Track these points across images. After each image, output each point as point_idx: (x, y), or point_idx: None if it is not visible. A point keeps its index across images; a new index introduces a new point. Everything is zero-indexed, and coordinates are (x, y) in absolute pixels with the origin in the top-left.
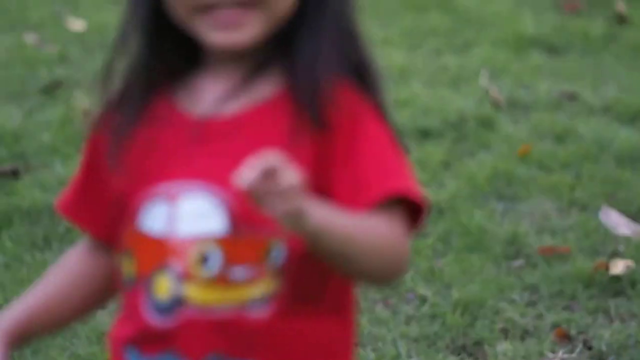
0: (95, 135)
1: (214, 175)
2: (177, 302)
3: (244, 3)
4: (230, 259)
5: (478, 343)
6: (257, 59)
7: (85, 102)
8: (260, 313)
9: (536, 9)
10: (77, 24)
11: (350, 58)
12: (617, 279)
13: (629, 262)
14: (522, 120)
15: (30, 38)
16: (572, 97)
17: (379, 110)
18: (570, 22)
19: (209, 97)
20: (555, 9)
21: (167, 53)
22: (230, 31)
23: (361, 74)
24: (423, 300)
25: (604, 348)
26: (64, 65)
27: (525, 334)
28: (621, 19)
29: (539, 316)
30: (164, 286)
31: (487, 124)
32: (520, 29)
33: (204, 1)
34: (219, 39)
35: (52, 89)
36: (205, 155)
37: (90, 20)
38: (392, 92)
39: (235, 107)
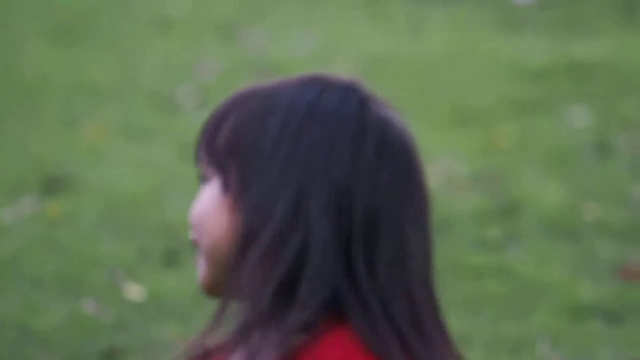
0: None
1: None
2: None
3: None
4: None
5: None
6: None
7: None
8: None
9: (593, 275)
10: (135, 291)
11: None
12: None
13: None
14: None
15: (87, 305)
16: None
17: None
18: (629, 289)
19: None
20: (613, 276)
21: None
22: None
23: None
24: None
25: None
26: (121, 333)
27: None
28: None
29: None
30: None
31: None
32: (578, 296)
33: None
34: None
35: (109, 357)
36: None
37: (148, 287)
38: None
39: None
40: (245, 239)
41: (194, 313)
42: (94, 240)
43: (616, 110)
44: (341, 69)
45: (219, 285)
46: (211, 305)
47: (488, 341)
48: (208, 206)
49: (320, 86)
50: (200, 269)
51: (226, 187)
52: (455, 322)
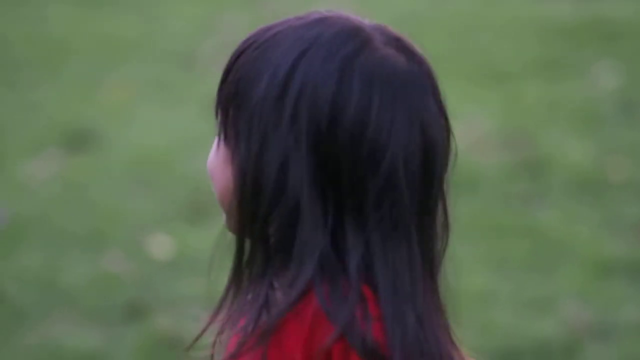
0: None
1: None
2: None
3: None
4: None
5: None
6: None
7: (167, 326)
8: None
9: (618, 233)
10: (160, 247)
11: None
12: None
13: None
14: (606, 348)
15: (112, 261)
16: None
17: None
18: None
19: None
20: (638, 233)
21: None
22: None
23: None
24: None
25: None
26: (146, 288)
27: None
28: None
29: None
30: None
31: (570, 351)
32: (603, 253)
33: None
34: None
35: (134, 312)
36: None
37: (174, 242)
38: (473, 317)
39: None
40: (240, 194)
41: (219, 267)
42: (119, 197)
43: None
44: None
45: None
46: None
47: (513, 298)
48: (215, 157)
49: (321, 28)
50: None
51: (225, 138)
52: (481, 279)
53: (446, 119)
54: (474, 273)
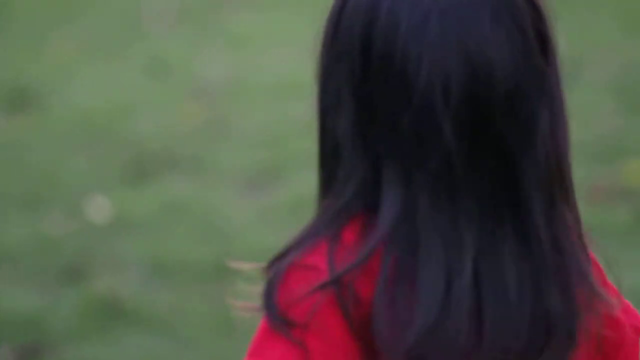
0: None
1: None
2: None
3: None
4: None
5: None
6: None
7: (105, 288)
8: None
9: None
10: (100, 209)
11: None
12: None
13: None
14: None
15: (51, 222)
16: None
17: None
18: (595, 212)
19: None
20: (586, 200)
21: None
22: None
23: None
24: None
25: None
26: (85, 250)
27: None
28: None
29: None
30: None
31: None
32: None
33: None
34: None
35: (73, 275)
36: None
37: (114, 204)
38: None
39: None
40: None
41: (159, 229)
42: (59, 158)
43: None
44: None
45: None
46: (175, 223)
47: None
48: None
49: None
50: None
51: None
52: None
53: (537, 44)
54: None
